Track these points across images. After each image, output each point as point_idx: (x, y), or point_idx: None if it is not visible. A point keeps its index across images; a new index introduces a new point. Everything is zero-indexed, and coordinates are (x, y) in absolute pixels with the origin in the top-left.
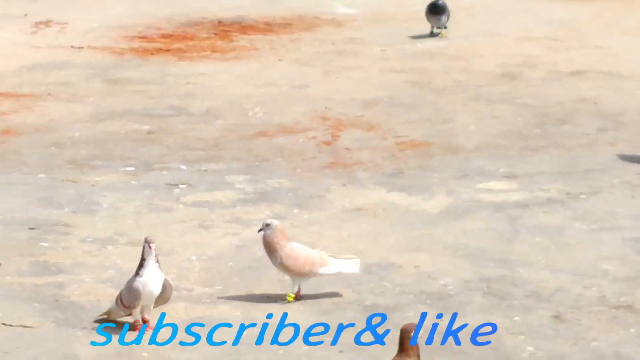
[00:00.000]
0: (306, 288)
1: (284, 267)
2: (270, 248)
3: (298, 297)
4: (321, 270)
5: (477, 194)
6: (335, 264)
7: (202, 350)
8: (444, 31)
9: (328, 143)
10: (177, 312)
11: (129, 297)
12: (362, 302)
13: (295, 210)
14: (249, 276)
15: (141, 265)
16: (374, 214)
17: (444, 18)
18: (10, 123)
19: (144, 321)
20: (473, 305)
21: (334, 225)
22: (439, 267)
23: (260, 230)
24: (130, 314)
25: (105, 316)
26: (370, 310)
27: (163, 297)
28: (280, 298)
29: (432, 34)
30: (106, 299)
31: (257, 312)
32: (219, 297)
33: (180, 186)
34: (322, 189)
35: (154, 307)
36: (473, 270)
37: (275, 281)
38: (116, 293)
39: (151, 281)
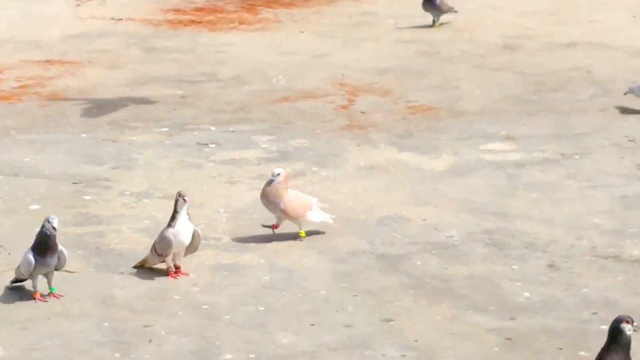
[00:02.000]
0: (323, 238)
1: (285, 212)
2: (277, 195)
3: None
4: (309, 214)
5: (479, 154)
6: (318, 212)
7: (228, 293)
8: (436, 23)
9: (345, 107)
10: (207, 259)
11: (162, 246)
12: (374, 251)
13: (315, 168)
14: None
15: (173, 217)
16: (386, 171)
17: (434, 11)
18: (56, 87)
19: (176, 267)
20: (475, 255)
21: (350, 182)
22: (444, 220)
23: (272, 181)
24: (163, 262)
25: (141, 264)
26: (382, 258)
27: (192, 246)
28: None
29: (433, 23)
30: (142, 246)
31: (279, 259)
32: (245, 246)
33: (210, 145)
34: (339, 149)
35: (185, 255)
36: (475, 223)
37: (296, 232)
38: (151, 241)
39: (182, 231)
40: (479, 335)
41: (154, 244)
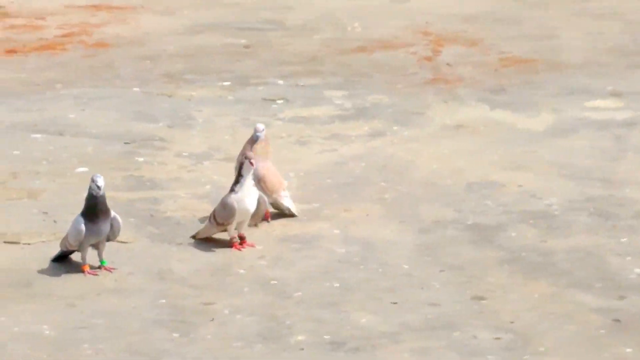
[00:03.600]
0: (405, 206)
1: (262, 180)
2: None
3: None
4: (282, 194)
5: (582, 112)
6: (288, 197)
7: (298, 268)
8: None
9: (429, 58)
10: (275, 229)
11: (223, 215)
12: (463, 221)
13: (395, 127)
14: (348, 193)
15: (237, 182)
16: (475, 131)
17: None
18: (104, 35)
19: (241, 238)
20: (578, 226)
21: (434, 142)
22: (542, 186)
23: (257, 137)
24: (225, 231)
25: (200, 234)
26: (472, 229)
27: (258, 214)
28: None
29: None
30: (202, 214)
31: (356, 230)
32: (317, 214)
33: (277, 101)
34: (422, 106)
35: (249, 225)
36: (578, 190)
37: (375, 199)
38: (212, 209)
39: (246, 198)
40: (582, 315)
41: (214, 211)
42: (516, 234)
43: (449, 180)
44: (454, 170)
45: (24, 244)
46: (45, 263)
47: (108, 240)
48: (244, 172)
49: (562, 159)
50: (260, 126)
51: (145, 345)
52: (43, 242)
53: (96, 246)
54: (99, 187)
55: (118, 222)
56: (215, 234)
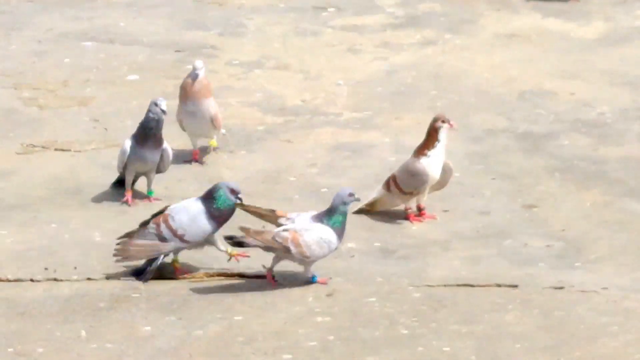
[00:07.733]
0: (456, 114)
1: (216, 121)
2: (205, 94)
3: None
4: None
5: (635, 21)
6: None
7: (350, 176)
8: None
9: None
10: (325, 137)
11: (412, 183)
12: (514, 130)
13: (447, 35)
14: (399, 102)
15: (431, 146)
16: (527, 39)
17: None
18: None
19: (419, 208)
20: (631, 134)
21: (486, 51)
22: (595, 94)
23: (196, 75)
24: (401, 203)
25: (376, 205)
26: (523, 138)
27: (441, 182)
28: None
29: None
30: (252, 122)
31: (407, 138)
32: (368, 123)
33: (329, 9)
34: (475, 14)
35: (429, 192)
36: (631, 99)
37: (425, 108)
38: (264, 117)
39: (436, 164)
40: (634, 224)
41: (394, 179)
42: (568, 142)
43: (501, 88)
44: (506, 78)
45: (74, 151)
46: (96, 171)
47: (159, 172)
48: (441, 136)
49: (614, 68)
50: (199, 63)
51: (195, 253)
52: (94, 149)
53: (146, 175)
54: (164, 111)
55: (168, 154)
56: (397, 205)
